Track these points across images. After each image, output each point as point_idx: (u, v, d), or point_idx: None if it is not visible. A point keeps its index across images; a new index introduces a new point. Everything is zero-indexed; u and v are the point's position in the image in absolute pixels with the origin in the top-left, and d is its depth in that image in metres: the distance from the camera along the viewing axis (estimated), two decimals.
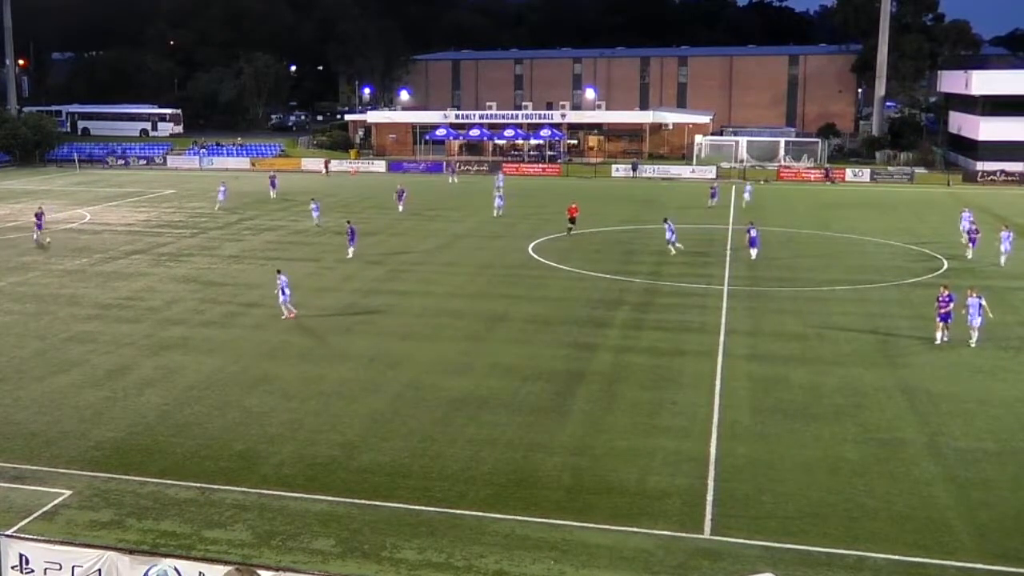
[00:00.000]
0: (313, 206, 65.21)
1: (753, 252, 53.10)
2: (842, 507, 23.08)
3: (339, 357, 35.03)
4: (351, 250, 53.88)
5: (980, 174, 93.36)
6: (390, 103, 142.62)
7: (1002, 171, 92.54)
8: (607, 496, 23.65)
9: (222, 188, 74.88)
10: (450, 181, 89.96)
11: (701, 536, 21.65)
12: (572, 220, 55.83)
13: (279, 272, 41.09)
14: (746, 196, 74.72)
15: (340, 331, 38.72)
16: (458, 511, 22.69)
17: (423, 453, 26.16)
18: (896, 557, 20.71)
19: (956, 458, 25.96)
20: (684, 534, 21.69)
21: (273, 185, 79.80)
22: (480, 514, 22.54)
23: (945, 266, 51.66)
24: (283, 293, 40.05)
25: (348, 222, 56.46)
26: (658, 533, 21.72)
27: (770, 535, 21.60)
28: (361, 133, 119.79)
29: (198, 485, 24.00)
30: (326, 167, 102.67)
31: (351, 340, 37.38)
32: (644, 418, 28.89)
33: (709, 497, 23.50)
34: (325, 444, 26.75)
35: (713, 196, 75.23)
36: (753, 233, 53.81)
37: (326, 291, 45.60)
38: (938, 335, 36.57)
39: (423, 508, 22.80)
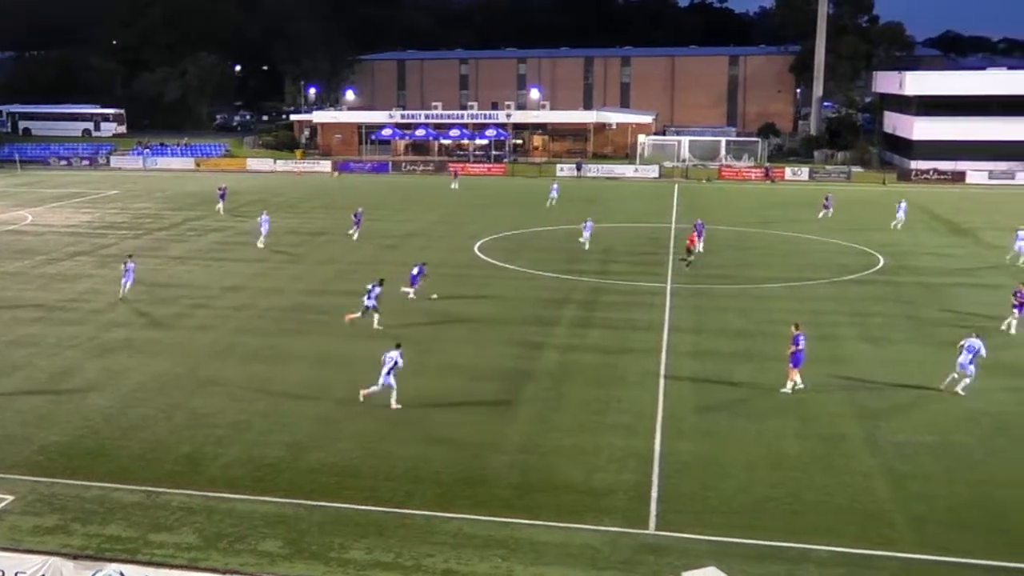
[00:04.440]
0: (263, 219, 58.43)
1: (699, 244, 53.81)
2: (785, 501, 23.31)
3: (288, 358, 34.74)
4: (356, 232, 58.24)
5: (914, 172, 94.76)
6: (336, 103, 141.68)
7: (935, 170, 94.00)
8: (555, 493, 23.67)
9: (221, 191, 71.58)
10: (452, 187, 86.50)
11: (646, 532, 21.75)
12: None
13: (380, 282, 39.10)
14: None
15: (289, 332, 38.38)
16: (407, 511, 22.60)
17: (372, 453, 26.01)
18: (837, 549, 20.95)
19: (894, 452, 26.32)
20: (630, 530, 21.79)
21: (222, 198, 71.23)
22: (429, 513, 22.46)
23: (881, 263, 52.34)
24: (369, 298, 37.91)
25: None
26: (604, 529, 21.79)
27: (714, 530, 21.74)
28: (307, 133, 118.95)
29: (144, 489, 23.66)
30: (335, 169, 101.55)
31: (300, 341, 37.07)
32: (591, 416, 28.97)
33: (654, 493, 23.62)
34: (273, 445, 26.50)
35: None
36: (699, 225, 55.07)
37: (274, 292, 45.19)
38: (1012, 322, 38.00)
39: (372, 508, 22.67)
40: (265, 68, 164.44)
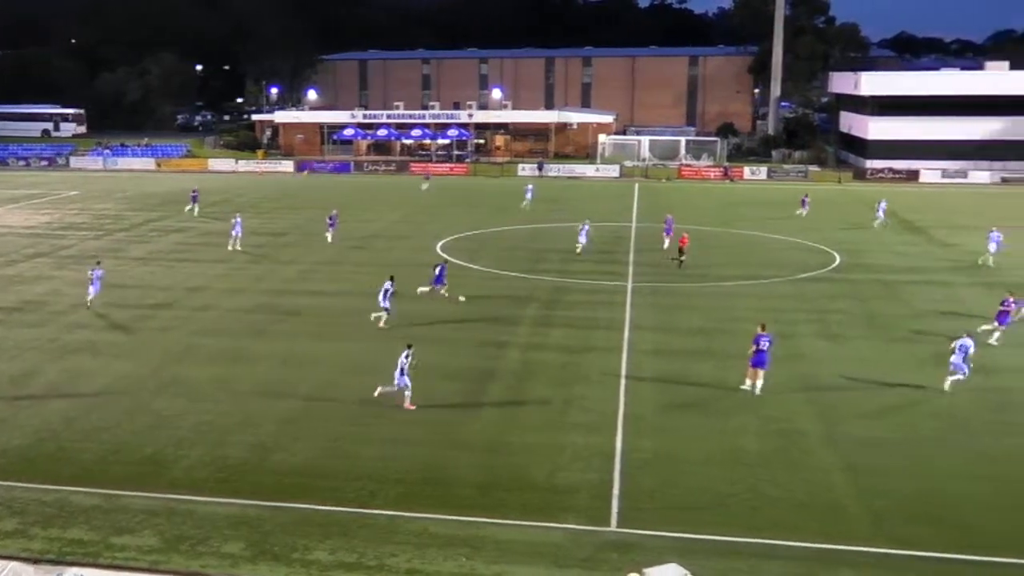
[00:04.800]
0: (235, 221, 56.49)
1: (667, 241, 54.72)
2: (745, 497, 23.42)
3: (250, 358, 34.48)
4: (331, 235, 57.48)
5: (869, 172, 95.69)
6: (298, 103, 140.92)
7: (889, 169, 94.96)
8: (518, 492, 23.65)
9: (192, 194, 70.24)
10: (425, 188, 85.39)
11: (609, 529, 21.79)
12: (681, 251, 52.50)
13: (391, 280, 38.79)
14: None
15: (251, 332, 38.09)
16: (370, 511, 22.49)
17: (335, 453, 25.87)
18: (798, 544, 21.09)
19: (852, 447, 26.52)
20: (593, 527, 21.81)
21: (195, 200, 69.52)
22: (393, 513, 22.37)
23: (837, 260, 52.77)
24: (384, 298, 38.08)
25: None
26: (568, 527, 21.79)
27: (676, 526, 21.80)
28: (268, 133, 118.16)
29: (106, 492, 23.37)
30: (303, 169, 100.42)
31: (263, 341, 36.80)
32: (553, 414, 28.97)
33: (615, 490, 23.65)
34: (236, 446, 26.28)
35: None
36: (669, 220, 56.29)
37: (237, 292, 44.85)
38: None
39: (335, 509, 22.54)
40: (227, 68, 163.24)
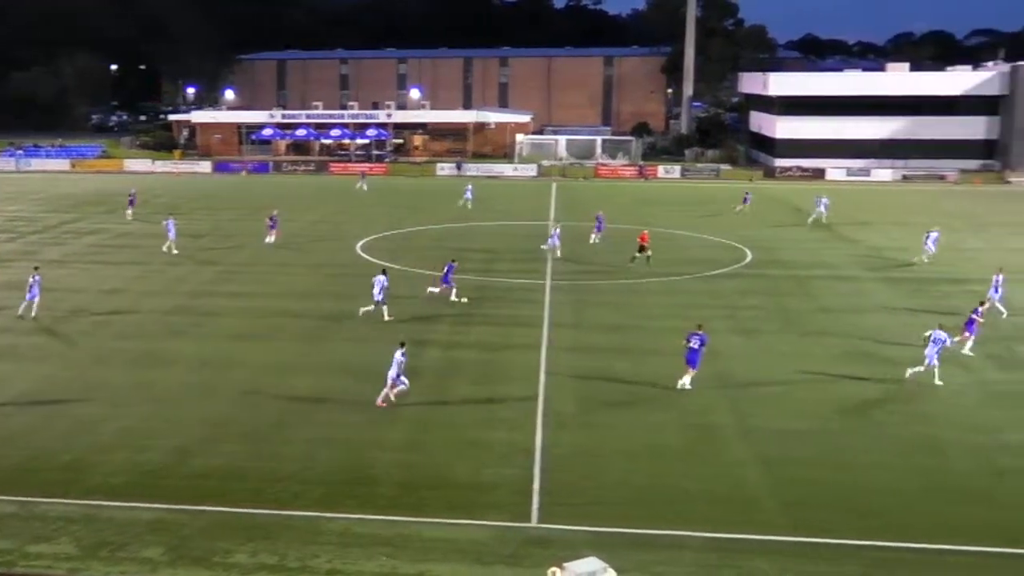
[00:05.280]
0: (168, 223, 54.30)
1: (595, 236, 55.86)
2: (663, 490, 23.64)
3: (171, 361, 33.82)
4: (273, 237, 55.88)
5: (778, 170, 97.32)
6: (215, 103, 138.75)
7: (797, 167, 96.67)
8: (440, 490, 23.57)
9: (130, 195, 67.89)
10: (358, 187, 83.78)
11: (530, 525, 21.82)
12: (642, 248, 52.52)
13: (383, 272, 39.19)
14: (467, 196, 72.68)
15: (172, 335, 37.38)
16: (293, 512, 22.23)
17: (258, 455, 25.52)
18: (713, 535, 21.33)
19: (765, 439, 26.94)
20: (514, 524, 21.81)
21: (132, 203, 66.93)
22: (315, 514, 22.13)
23: (749, 257, 53.52)
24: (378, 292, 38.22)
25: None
26: (490, 524, 21.77)
27: (595, 520, 21.91)
28: (186, 133, 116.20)
29: (23, 499, 22.72)
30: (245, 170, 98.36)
31: (184, 344, 36.13)
32: (474, 412, 28.95)
33: (536, 486, 23.69)
34: (157, 450, 25.76)
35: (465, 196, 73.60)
36: (600, 217, 57.48)
37: (156, 294, 44.00)
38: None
39: (257, 511, 22.22)
40: (143, 67, 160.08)
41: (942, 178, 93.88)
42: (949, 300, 43.57)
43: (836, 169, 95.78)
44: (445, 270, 42.33)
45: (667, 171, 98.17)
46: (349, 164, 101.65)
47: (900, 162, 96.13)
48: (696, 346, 30.81)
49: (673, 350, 35.06)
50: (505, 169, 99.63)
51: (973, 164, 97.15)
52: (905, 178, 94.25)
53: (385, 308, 38.96)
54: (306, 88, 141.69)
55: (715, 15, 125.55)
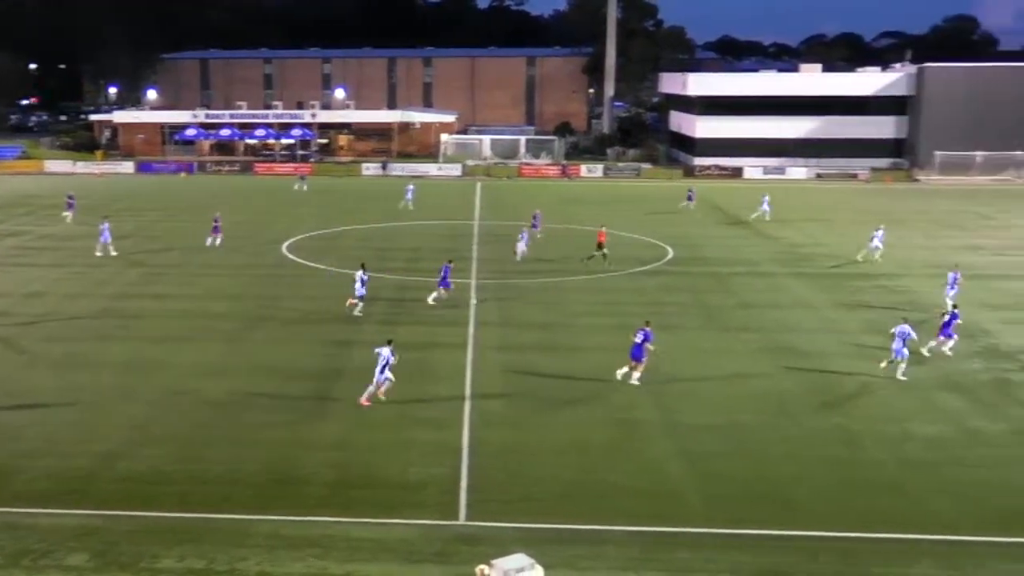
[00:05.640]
0: (103, 226, 52.74)
1: (535, 232, 56.31)
2: (589, 486, 23.84)
3: (96, 365, 33.15)
4: (217, 239, 54.45)
5: (698, 169, 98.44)
6: (138, 103, 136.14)
7: (716, 166, 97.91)
8: (369, 490, 23.51)
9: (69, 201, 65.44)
10: (296, 188, 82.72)
11: (458, 523, 21.87)
12: (600, 246, 52.47)
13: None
14: (408, 195, 72.17)
15: (97, 338, 36.65)
16: (221, 515, 21.99)
17: (184, 458, 25.18)
18: (636, 529, 21.59)
19: (687, 434, 27.30)
20: (442, 521, 21.86)
21: (70, 206, 64.54)
22: (243, 516, 21.92)
23: (671, 254, 54.11)
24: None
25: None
26: (418, 522, 21.77)
27: (523, 517, 22.02)
28: (108, 134, 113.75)
29: None
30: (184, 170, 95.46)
31: (108, 347, 35.45)
32: (402, 411, 28.83)
33: (464, 484, 23.74)
34: (82, 456, 25.27)
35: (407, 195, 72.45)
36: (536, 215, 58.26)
37: (79, 297, 43.09)
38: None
39: (185, 515, 21.95)
40: (63, 66, 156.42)
41: (854, 176, 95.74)
42: (862, 295, 44.59)
43: (753, 168, 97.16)
44: (442, 273, 42.01)
45: (590, 170, 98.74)
46: (274, 164, 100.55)
47: (814, 161, 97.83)
48: (639, 340, 31.23)
49: (599, 346, 35.50)
50: (430, 169, 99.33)
51: (883, 163, 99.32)
52: (819, 176, 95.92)
53: (360, 303, 39.68)
54: (230, 88, 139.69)
55: (635, 16, 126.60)
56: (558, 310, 41.29)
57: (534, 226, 57.53)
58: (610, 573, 19.78)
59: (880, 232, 53.06)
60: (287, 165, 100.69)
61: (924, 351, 34.41)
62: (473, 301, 41.52)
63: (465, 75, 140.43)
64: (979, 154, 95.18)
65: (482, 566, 18.39)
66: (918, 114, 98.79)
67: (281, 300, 42.79)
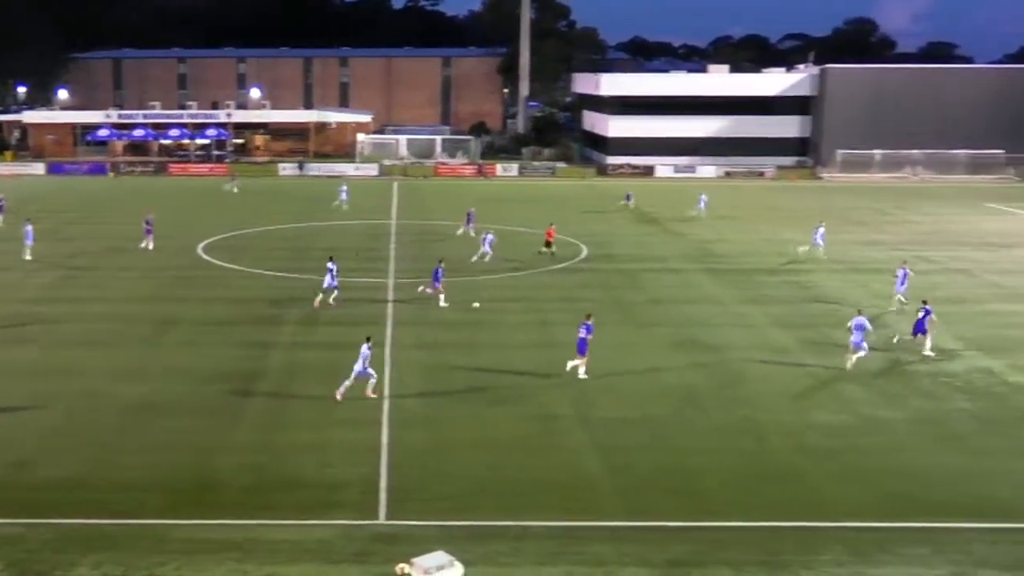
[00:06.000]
0: (27, 228, 51.42)
1: (470, 229, 57.19)
2: (507, 482, 23.95)
3: (8, 371, 32.22)
4: (150, 242, 53.67)
5: (610, 168, 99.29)
6: (48, 103, 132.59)
7: (628, 164, 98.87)
8: (288, 491, 23.30)
9: None
10: (226, 188, 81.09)
11: (377, 522, 21.80)
12: (548, 243, 52.68)
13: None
14: (342, 196, 71.70)
15: (8, 343, 35.60)
16: (138, 520, 21.60)
17: (100, 464, 24.68)
18: (554, 523, 21.73)
19: (601, 427, 27.58)
20: (362, 521, 21.76)
21: (0, 209, 62.81)
22: (160, 522, 21.56)
23: (585, 252, 54.51)
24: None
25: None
26: (338, 523, 21.65)
27: (442, 514, 22.04)
28: (17, 134, 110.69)
29: None
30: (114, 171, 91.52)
31: (19, 352, 34.49)
32: (321, 412, 28.66)
33: (383, 483, 23.68)
34: None
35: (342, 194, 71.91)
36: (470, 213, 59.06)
37: None
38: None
39: (101, 521, 21.49)
40: None
41: (761, 174, 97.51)
42: (767, 290, 45.47)
43: (664, 166, 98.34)
44: (435, 274, 41.82)
45: (505, 169, 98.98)
46: (189, 165, 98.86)
47: (722, 159, 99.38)
48: (583, 335, 31.75)
49: (516, 343, 35.71)
50: (347, 169, 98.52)
51: (789, 161, 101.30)
52: (727, 174, 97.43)
53: (336, 292, 40.79)
54: (143, 88, 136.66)
55: (549, 17, 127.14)
56: (475, 308, 41.29)
57: (468, 222, 57.79)
58: (529, 568, 19.91)
59: (822, 229, 54.12)
60: (202, 165, 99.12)
61: (927, 352, 34.57)
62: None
63: (381, 75, 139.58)
64: (878, 152, 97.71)
65: (402, 565, 18.38)
66: (821, 114, 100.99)
67: (196, 302, 42.13)
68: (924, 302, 35.72)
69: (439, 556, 18.80)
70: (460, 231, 58.50)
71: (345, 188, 72.84)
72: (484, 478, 24.13)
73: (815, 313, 41.07)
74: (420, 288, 42.29)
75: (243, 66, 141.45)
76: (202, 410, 28.61)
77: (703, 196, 69.26)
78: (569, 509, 22.47)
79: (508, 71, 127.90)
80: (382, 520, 21.90)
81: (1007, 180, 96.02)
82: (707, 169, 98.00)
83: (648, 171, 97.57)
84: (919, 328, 34.89)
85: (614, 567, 19.95)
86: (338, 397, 29.14)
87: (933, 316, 34.84)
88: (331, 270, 40.97)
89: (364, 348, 29.28)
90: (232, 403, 29.29)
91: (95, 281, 46.49)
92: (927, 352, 34.62)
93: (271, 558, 20.07)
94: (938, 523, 21.87)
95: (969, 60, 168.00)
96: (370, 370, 29.33)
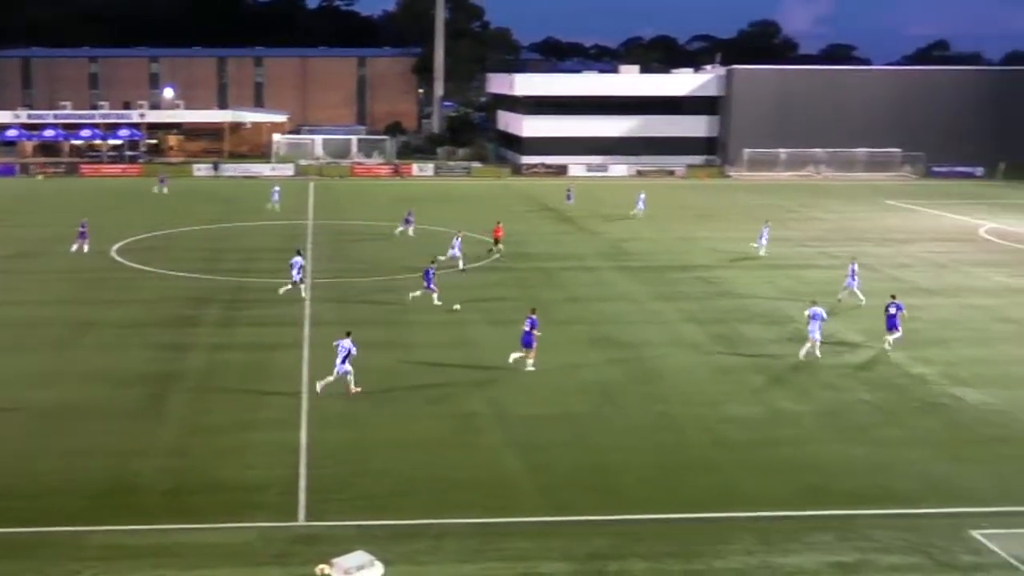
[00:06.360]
0: None
1: (408, 229, 57.92)
2: (427, 480, 23.87)
3: None
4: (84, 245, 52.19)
5: (525, 167, 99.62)
6: None
7: (542, 164, 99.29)
8: (208, 494, 22.92)
9: None
10: (156, 190, 79.38)
11: (297, 523, 21.57)
12: (496, 241, 52.11)
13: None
14: (274, 197, 70.75)
15: None
16: (54, 528, 21.03)
17: (13, 471, 23.93)
18: (474, 521, 21.73)
19: (521, 425, 27.65)
20: (283, 523, 21.50)
21: None
22: (77, 528, 21.00)
23: (502, 251, 54.48)
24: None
25: None
26: (258, 525, 21.36)
27: (362, 514, 21.89)
28: None
29: None
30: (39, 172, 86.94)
31: None
32: (240, 413, 28.26)
33: (303, 484, 23.43)
34: None
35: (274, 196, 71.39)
36: (410, 218, 59.15)
37: None
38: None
39: (15, 530, 20.89)
40: None
41: (671, 173, 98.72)
42: (679, 287, 46.06)
43: (577, 165, 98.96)
44: (426, 273, 41.49)
45: (421, 169, 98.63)
46: (101, 165, 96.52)
47: (633, 158, 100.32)
48: (527, 328, 32.13)
49: (433, 343, 35.62)
50: (263, 169, 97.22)
51: (698, 160, 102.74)
52: (639, 173, 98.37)
53: (303, 287, 41.64)
54: (54, 87, 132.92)
55: (463, 17, 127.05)
56: (391, 308, 41.11)
57: (407, 222, 58.00)
58: (449, 566, 19.88)
59: (767, 229, 55.00)
60: (115, 166, 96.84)
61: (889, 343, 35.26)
62: (456, 307, 40.57)
63: (296, 75, 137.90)
64: (783, 151, 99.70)
65: (322, 566, 18.24)
66: (728, 113, 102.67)
67: (111, 304, 41.17)
68: (893, 296, 36.34)
69: (359, 556, 18.70)
70: (399, 230, 58.45)
71: (278, 189, 71.78)
72: (404, 477, 24.03)
73: (725, 308, 41.74)
74: (411, 295, 41.43)
75: (156, 65, 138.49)
76: (120, 414, 27.99)
77: (642, 195, 69.77)
78: (489, 507, 22.49)
79: (423, 71, 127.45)
80: (302, 521, 21.67)
81: (904, 178, 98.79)
82: (619, 168, 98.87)
83: (562, 170, 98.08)
84: (891, 323, 35.32)
85: (534, 562, 20.03)
86: (318, 389, 29.37)
87: (905, 312, 35.72)
88: (296, 264, 41.87)
89: (346, 343, 29.50)
90: (151, 406, 28.71)
91: (7, 284, 45.11)
92: (888, 347, 35.22)
93: (192, 562, 19.72)
94: (843, 511, 22.43)
95: (868, 62, 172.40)
96: (347, 367, 29.41)
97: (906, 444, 26.79)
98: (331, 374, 29.44)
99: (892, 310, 35.46)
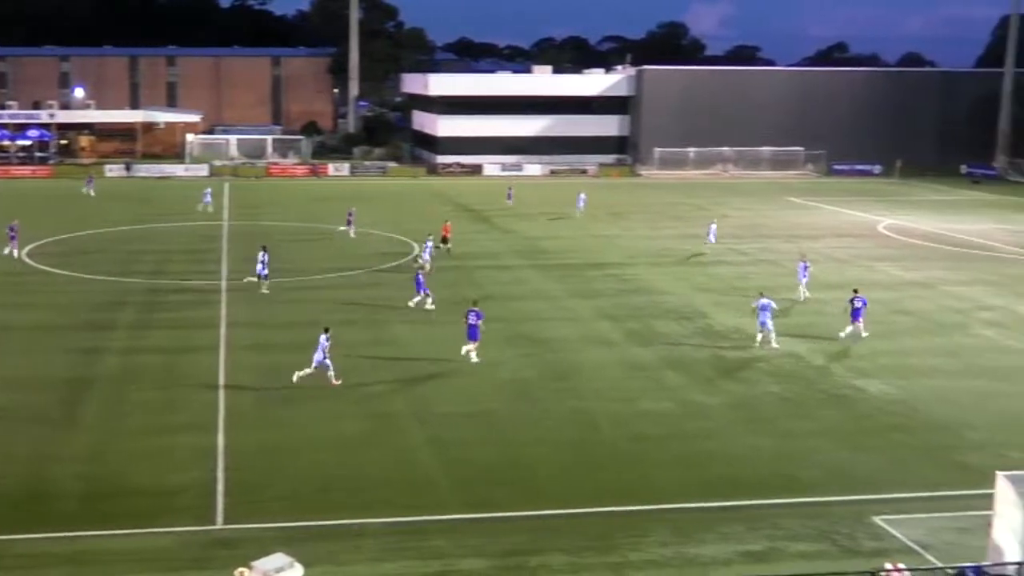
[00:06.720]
0: None
1: (350, 230, 57.77)
2: (345, 480, 23.73)
3: None
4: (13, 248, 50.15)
5: (440, 166, 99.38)
6: None
7: (458, 163, 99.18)
8: (124, 500, 22.47)
9: None
10: (84, 191, 76.92)
11: (215, 527, 21.24)
12: (444, 240, 51.33)
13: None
14: (206, 199, 69.11)
15: None
16: None
17: None
18: (392, 519, 21.66)
19: (438, 423, 27.62)
20: (200, 527, 21.16)
21: None
22: None
23: (415, 250, 54.21)
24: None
25: None
26: (175, 530, 21.00)
27: (281, 516, 21.64)
28: None
29: None
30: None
31: None
32: (156, 417, 27.73)
33: (220, 488, 23.08)
34: None
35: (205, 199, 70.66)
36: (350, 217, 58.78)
37: None
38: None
39: None
40: None
41: (584, 172, 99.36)
42: (593, 284, 46.41)
43: (492, 165, 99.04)
44: (416, 279, 41.14)
45: (337, 169, 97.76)
46: (10, 167, 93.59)
47: (547, 158, 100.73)
48: (473, 321, 32.60)
49: (348, 342, 35.21)
50: (176, 169, 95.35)
51: (609, 159, 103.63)
52: (553, 172, 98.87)
53: (266, 283, 42.19)
54: None
55: (377, 17, 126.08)
56: (307, 308, 40.53)
57: (348, 223, 57.88)
58: (368, 565, 19.77)
59: (714, 226, 56.28)
60: (24, 167, 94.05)
61: (841, 335, 35.93)
62: (430, 306, 40.18)
63: (210, 75, 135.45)
64: (692, 150, 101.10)
65: (241, 569, 17.97)
66: (638, 113, 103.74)
67: (22, 308, 40.01)
68: (855, 291, 36.88)
69: (278, 558, 18.48)
70: (341, 229, 58.35)
71: (209, 191, 70.42)
72: (322, 478, 23.82)
73: (637, 305, 42.18)
74: (410, 303, 40.72)
75: (66, 65, 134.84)
76: (34, 419, 27.21)
77: (582, 195, 69.94)
78: (408, 505, 22.43)
79: (338, 71, 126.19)
80: (220, 524, 21.35)
81: (807, 176, 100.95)
82: (533, 167, 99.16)
83: (476, 169, 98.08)
84: (856, 316, 35.84)
85: (452, 559, 20.04)
86: (295, 380, 29.82)
87: (867, 306, 36.22)
88: (262, 259, 42.51)
89: (322, 339, 29.77)
90: (64, 411, 28.00)
91: None
92: (843, 335, 35.96)
93: (108, 569, 19.31)
94: (752, 501, 22.88)
95: (772, 63, 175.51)
96: (328, 361, 29.79)
97: (811, 434, 27.41)
98: (309, 367, 30.04)
99: (858, 303, 35.94)
